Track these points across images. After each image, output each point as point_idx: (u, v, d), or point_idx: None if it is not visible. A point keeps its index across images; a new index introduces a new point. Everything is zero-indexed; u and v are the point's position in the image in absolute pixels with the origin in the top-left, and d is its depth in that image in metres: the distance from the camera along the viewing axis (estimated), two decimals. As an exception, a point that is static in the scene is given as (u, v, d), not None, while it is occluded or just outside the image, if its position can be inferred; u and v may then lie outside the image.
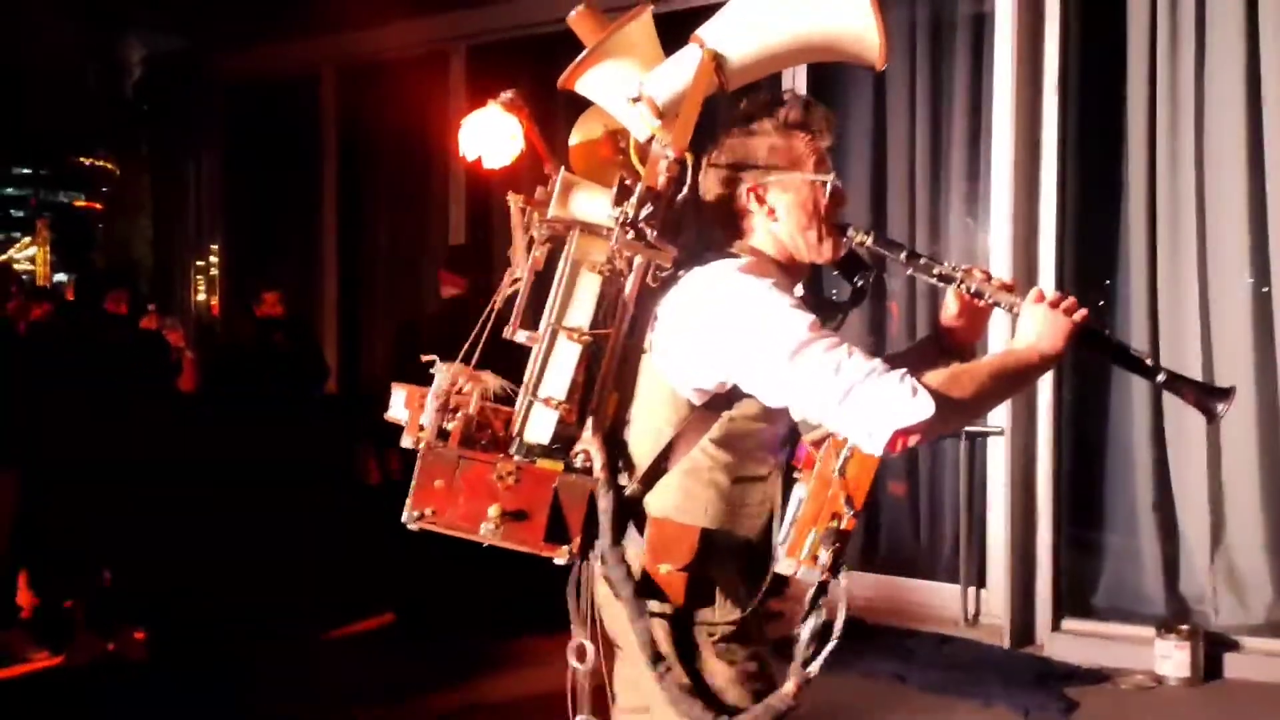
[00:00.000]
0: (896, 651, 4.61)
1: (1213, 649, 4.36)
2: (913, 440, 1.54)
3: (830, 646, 1.66)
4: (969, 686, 4.19)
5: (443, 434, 1.68)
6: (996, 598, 4.81)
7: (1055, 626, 4.65)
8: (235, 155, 8.07)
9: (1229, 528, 4.70)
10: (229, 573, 4.61)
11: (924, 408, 1.51)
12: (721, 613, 1.68)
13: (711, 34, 1.72)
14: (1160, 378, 1.75)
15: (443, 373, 1.69)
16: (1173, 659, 4.27)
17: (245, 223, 8.23)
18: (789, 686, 1.65)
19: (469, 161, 1.84)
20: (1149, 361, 1.79)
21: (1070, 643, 4.57)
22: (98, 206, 9.10)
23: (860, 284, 1.80)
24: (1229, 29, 4.57)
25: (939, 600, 5.03)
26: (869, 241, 1.77)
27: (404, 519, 1.66)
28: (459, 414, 1.67)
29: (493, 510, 1.63)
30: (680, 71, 1.72)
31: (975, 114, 5.14)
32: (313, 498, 4.86)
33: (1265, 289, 4.65)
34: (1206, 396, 1.74)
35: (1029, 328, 1.69)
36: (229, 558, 4.62)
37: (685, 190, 1.69)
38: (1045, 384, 4.69)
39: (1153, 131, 4.71)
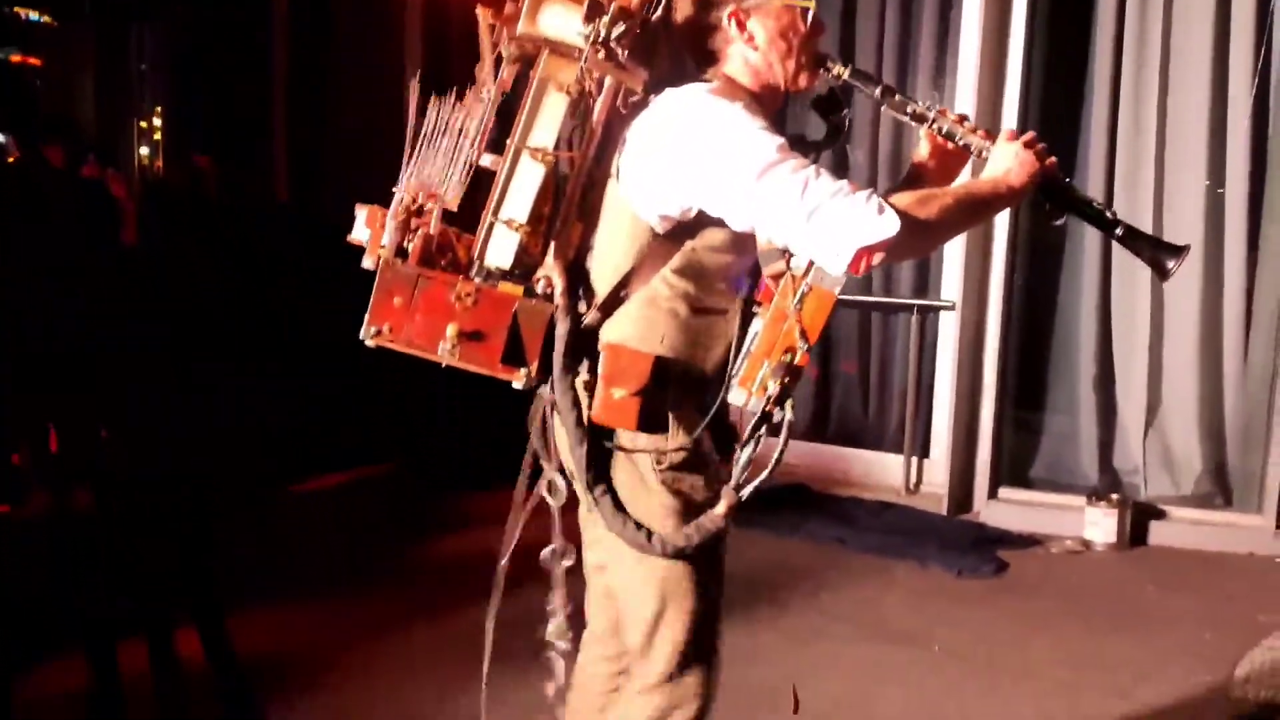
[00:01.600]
0: (840, 517, 4.76)
1: (1140, 517, 4.57)
2: (876, 259, 1.54)
3: (765, 474, 1.69)
4: (906, 549, 4.35)
5: (402, 253, 1.68)
6: (938, 467, 4.97)
7: (992, 495, 4.82)
8: (183, 17, 7.75)
9: (1164, 406, 4.87)
10: (187, 428, 4.60)
11: (889, 225, 1.52)
12: (672, 441, 1.70)
13: None
14: (1118, 231, 1.78)
15: (403, 189, 1.66)
16: (1101, 526, 4.47)
17: (191, 87, 7.94)
18: (720, 507, 1.69)
19: None
20: (1109, 214, 1.81)
21: (1005, 510, 4.75)
22: (36, 62, 8.69)
23: (836, 121, 1.79)
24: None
25: (883, 470, 5.18)
26: (846, 74, 1.76)
27: (361, 335, 1.67)
28: (419, 234, 1.66)
29: (450, 330, 1.64)
30: None
31: (944, 19, 5.10)
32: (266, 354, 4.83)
33: (1220, 190, 4.75)
34: (1160, 252, 1.78)
35: (999, 162, 1.71)
36: (185, 414, 4.60)
37: (660, 11, 1.66)
38: (998, 261, 4.77)
39: (1119, 50, 4.73)
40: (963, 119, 1.80)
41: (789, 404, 1.66)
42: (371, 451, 5.02)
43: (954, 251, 4.87)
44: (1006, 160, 1.70)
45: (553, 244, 1.69)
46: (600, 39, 1.58)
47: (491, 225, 1.66)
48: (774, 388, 1.64)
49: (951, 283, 4.89)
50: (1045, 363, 5.06)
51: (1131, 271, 4.86)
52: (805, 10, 1.69)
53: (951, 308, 4.83)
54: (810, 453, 5.36)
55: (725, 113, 1.60)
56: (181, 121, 7.93)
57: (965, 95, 4.76)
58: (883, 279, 5.34)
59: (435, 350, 1.67)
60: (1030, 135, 1.74)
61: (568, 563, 1.82)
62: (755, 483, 1.70)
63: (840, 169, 1.70)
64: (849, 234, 1.52)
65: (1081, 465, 4.96)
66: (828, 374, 5.56)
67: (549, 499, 1.80)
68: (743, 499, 1.70)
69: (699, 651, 1.76)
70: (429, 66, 6.51)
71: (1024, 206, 4.83)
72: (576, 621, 1.93)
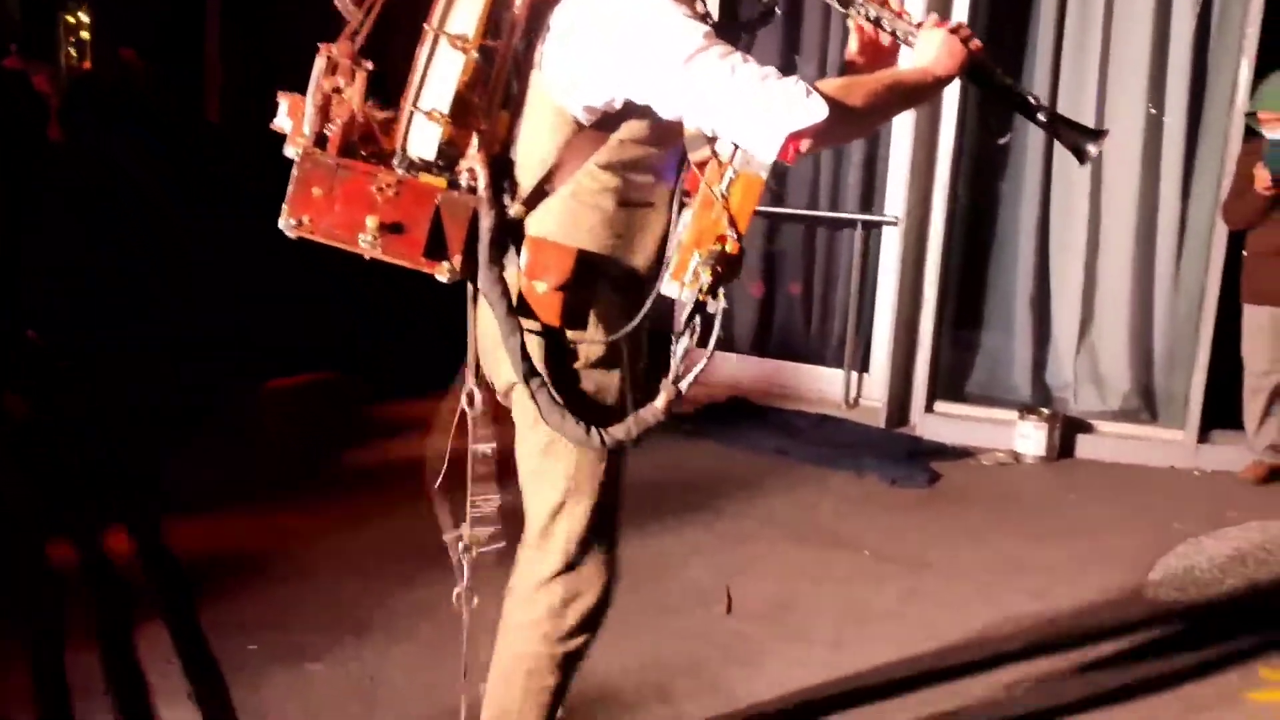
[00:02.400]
0: (780, 428, 4.83)
1: (1068, 431, 4.69)
2: (805, 145, 1.53)
3: (701, 366, 1.69)
4: (843, 459, 4.44)
5: (322, 141, 1.64)
6: (877, 382, 5.04)
7: (929, 409, 4.91)
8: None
9: (1096, 323, 4.98)
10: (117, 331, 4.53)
11: (818, 110, 1.50)
12: (598, 335, 1.69)
13: None
14: (1041, 116, 1.79)
15: (319, 62, 1.61)
16: (1031, 438, 4.59)
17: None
18: (659, 401, 1.69)
19: None
20: (1032, 99, 1.82)
21: (940, 423, 4.86)
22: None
23: (768, 4, 1.77)
24: None
25: (824, 384, 5.24)
26: None
27: (280, 224, 1.64)
28: (340, 123, 1.63)
29: (370, 221, 1.61)
30: None
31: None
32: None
33: (1155, 111, 4.79)
34: (1081, 137, 1.79)
35: (926, 50, 1.69)
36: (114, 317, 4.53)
37: None
38: (941, 177, 4.79)
39: None
40: (886, 3, 1.78)
41: (721, 294, 1.66)
42: (312, 359, 4.97)
43: (898, 167, 4.88)
44: (934, 47, 1.69)
45: (476, 135, 1.66)
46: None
47: (412, 115, 1.63)
48: (706, 278, 1.64)
49: (896, 199, 4.91)
50: (984, 279, 5.13)
51: (1071, 191, 4.92)
52: None
53: (895, 223, 4.85)
54: (753, 367, 5.41)
55: (650, 0, 1.57)
56: (110, 18, 7.62)
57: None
58: (830, 194, 5.34)
59: (356, 242, 1.64)
60: (958, 23, 1.73)
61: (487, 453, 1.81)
62: (692, 375, 1.70)
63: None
64: (778, 120, 1.51)
65: (1015, 381, 5.07)
66: (772, 290, 5.58)
67: (467, 410, 1.79)
68: (682, 391, 1.70)
69: (598, 538, 1.78)
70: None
71: (972, 126, 4.88)
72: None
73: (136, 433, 4.21)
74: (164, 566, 3.08)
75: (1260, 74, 4.28)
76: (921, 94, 1.72)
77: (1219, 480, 4.49)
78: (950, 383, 5.05)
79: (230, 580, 3.00)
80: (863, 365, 5.16)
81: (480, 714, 1.90)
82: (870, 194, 5.19)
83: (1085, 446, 4.71)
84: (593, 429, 1.67)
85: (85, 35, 8.37)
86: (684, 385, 1.70)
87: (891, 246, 4.96)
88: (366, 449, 4.22)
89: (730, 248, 1.64)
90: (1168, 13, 4.68)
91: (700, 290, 1.64)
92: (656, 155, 1.69)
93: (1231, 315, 4.48)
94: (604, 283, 1.69)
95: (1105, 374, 4.97)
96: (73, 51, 8.59)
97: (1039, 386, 5.04)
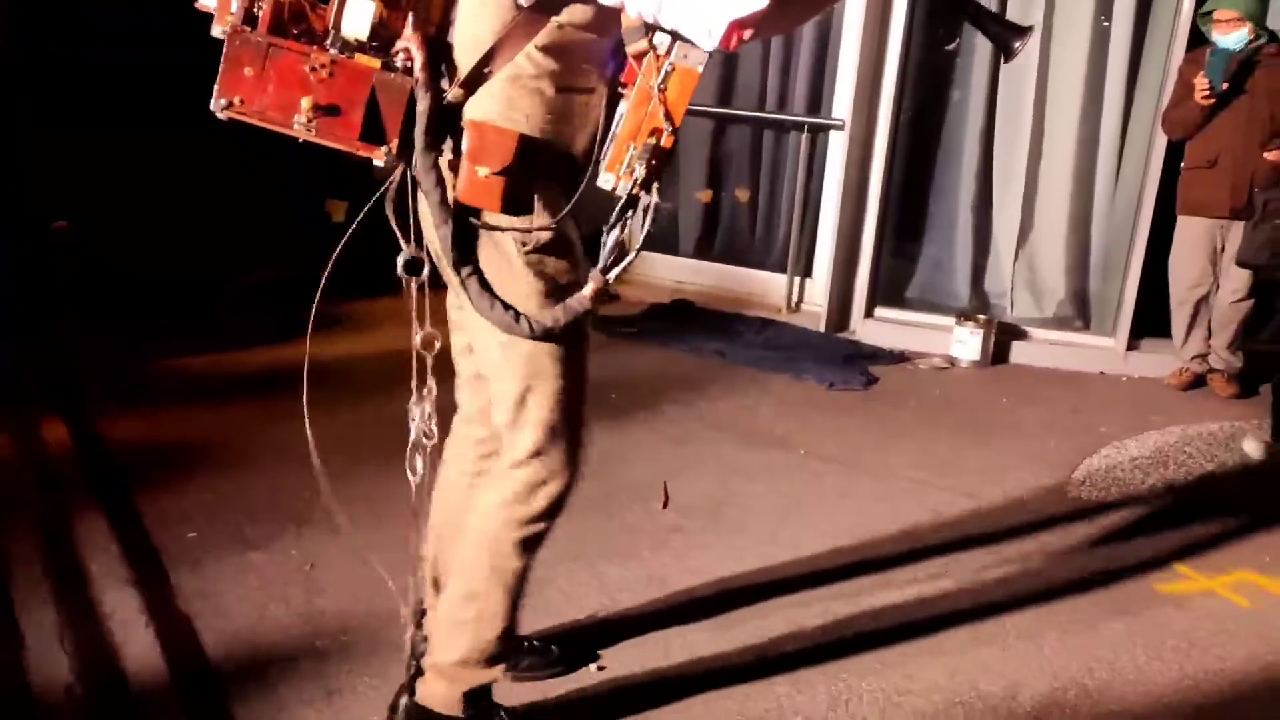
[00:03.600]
0: (722, 332, 4.88)
1: (1003, 337, 4.80)
2: (747, 34, 1.52)
3: (631, 258, 1.71)
4: (783, 363, 4.51)
5: (252, 20, 1.59)
6: (819, 287, 5.09)
7: (868, 314, 4.99)
8: None
9: (1035, 230, 5.06)
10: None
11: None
12: (538, 220, 1.69)
13: None
14: (969, 8, 1.80)
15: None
16: (967, 344, 4.69)
17: None
18: (587, 290, 1.71)
19: None
20: None
21: (880, 329, 4.94)
22: None
23: None
24: None
25: (767, 288, 5.29)
26: None
27: (211, 106, 1.60)
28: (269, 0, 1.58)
29: (305, 102, 1.58)
30: None
31: None
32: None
33: (1105, 22, 4.78)
34: (1007, 32, 1.80)
35: None
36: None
37: None
38: (888, 82, 4.78)
39: None
40: None
41: (655, 187, 1.66)
42: (260, 256, 4.87)
43: (846, 71, 4.85)
44: None
45: (411, 15, 1.62)
46: None
47: (345, -8, 1.58)
48: (640, 171, 1.64)
49: (842, 102, 4.89)
50: (928, 186, 5.16)
51: (1016, 98, 4.93)
52: None
53: (841, 127, 4.85)
54: (697, 270, 5.43)
55: None
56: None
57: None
58: (777, 97, 5.30)
59: (290, 124, 1.61)
60: None
61: (434, 349, 1.81)
62: (622, 265, 1.71)
63: None
64: (721, 7, 1.49)
65: (955, 288, 5.15)
66: (718, 193, 5.57)
67: (408, 280, 1.77)
68: (609, 281, 1.71)
69: (566, 428, 1.80)
70: None
71: (919, 32, 4.83)
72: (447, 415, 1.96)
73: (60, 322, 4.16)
74: (100, 455, 3.06)
75: None
76: None
77: (1146, 386, 4.64)
78: (891, 289, 5.12)
79: (172, 472, 2.99)
80: (806, 270, 5.20)
81: (434, 598, 1.95)
82: (817, 98, 5.17)
83: (1019, 352, 4.82)
84: (522, 317, 1.68)
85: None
86: (612, 275, 1.71)
87: (837, 151, 4.96)
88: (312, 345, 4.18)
89: (665, 141, 1.63)
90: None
91: (635, 184, 1.64)
92: (596, 42, 1.66)
93: (1168, 226, 4.58)
94: (541, 166, 1.68)
95: (1040, 281, 5.07)
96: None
97: (978, 294, 5.14)
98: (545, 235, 1.70)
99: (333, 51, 1.61)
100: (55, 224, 4.49)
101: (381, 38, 1.62)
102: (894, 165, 4.90)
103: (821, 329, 4.95)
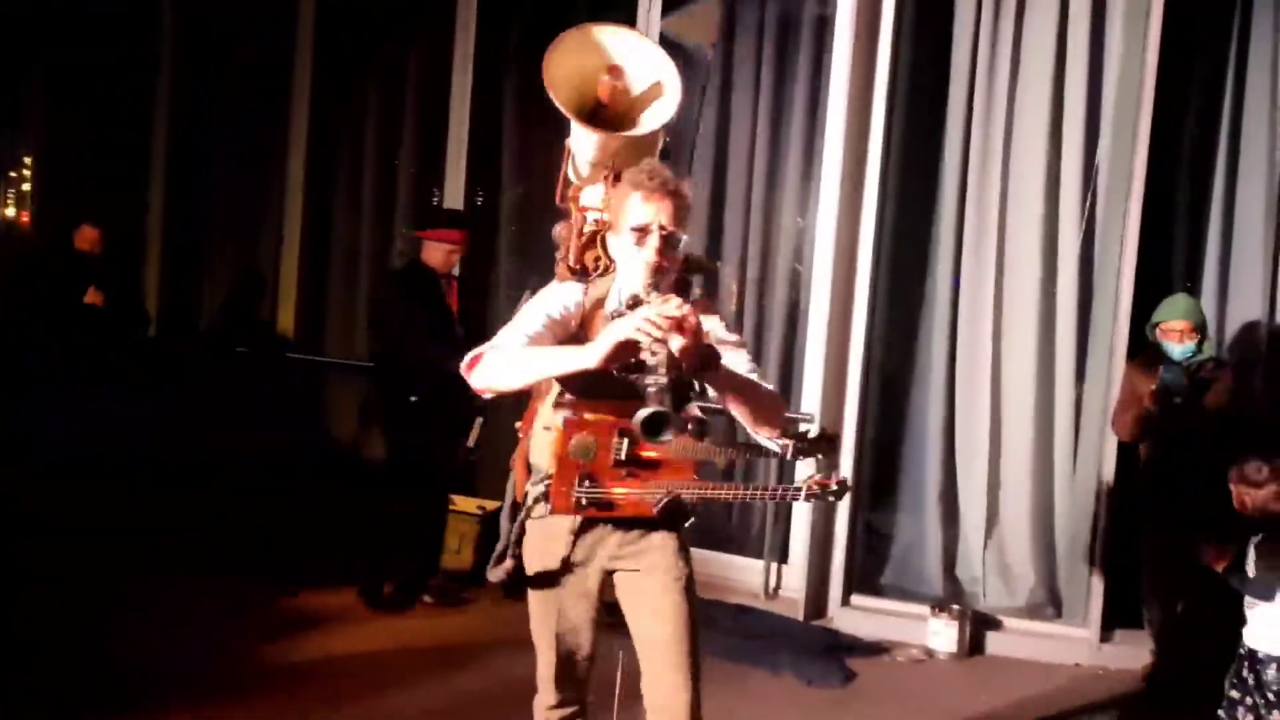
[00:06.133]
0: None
1: (978, 627, 4.84)
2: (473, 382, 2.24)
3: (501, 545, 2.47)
4: (761, 656, 4.49)
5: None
6: (796, 573, 5.16)
7: (845, 602, 5.04)
8: (58, 57, 7.55)
9: (1002, 518, 5.19)
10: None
11: (473, 378, 2.22)
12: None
13: None
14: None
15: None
16: (943, 635, 4.72)
17: (65, 135, 7.75)
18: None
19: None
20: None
21: (857, 617, 4.98)
22: None
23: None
24: (1041, 62, 5.00)
25: (744, 574, 5.33)
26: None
27: None
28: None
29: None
30: None
31: (813, 117, 5.43)
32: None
33: (1052, 290, 5.11)
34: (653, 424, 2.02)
35: (607, 334, 2.06)
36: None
37: None
38: (854, 374, 5.05)
39: (966, 153, 5.14)
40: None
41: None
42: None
43: (813, 374, 5.13)
44: (613, 334, 2.02)
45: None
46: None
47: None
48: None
49: (812, 397, 5.13)
50: (896, 473, 5.35)
51: (973, 394, 5.19)
52: None
53: (810, 420, 5.06)
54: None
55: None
56: (56, 172, 7.71)
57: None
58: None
59: None
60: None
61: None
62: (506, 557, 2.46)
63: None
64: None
65: (927, 571, 5.22)
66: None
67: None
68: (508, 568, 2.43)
69: (559, 691, 2.52)
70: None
71: (879, 344, 5.11)
72: None
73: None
74: None
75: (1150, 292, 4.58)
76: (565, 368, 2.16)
77: (1121, 679, 4.61)
78: (866, 575, 5.19)
79: None
80: (782, 556, 5.28)
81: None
82: (787, 393, 5.42)
83: (995, 643, 4.85)
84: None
85: (26, 187, 8.37)
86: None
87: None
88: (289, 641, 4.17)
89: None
90: (1057, 199, 5.02)
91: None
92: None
93: (1131, 510, 4.68)
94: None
95: (1011, 569, 5.15)
96: (10, 201, 8.60)
97: (950, 580, 5.19)
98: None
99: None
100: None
101: None
102: (863, 457, 5.09)
103: (799, 617, 4.98)
